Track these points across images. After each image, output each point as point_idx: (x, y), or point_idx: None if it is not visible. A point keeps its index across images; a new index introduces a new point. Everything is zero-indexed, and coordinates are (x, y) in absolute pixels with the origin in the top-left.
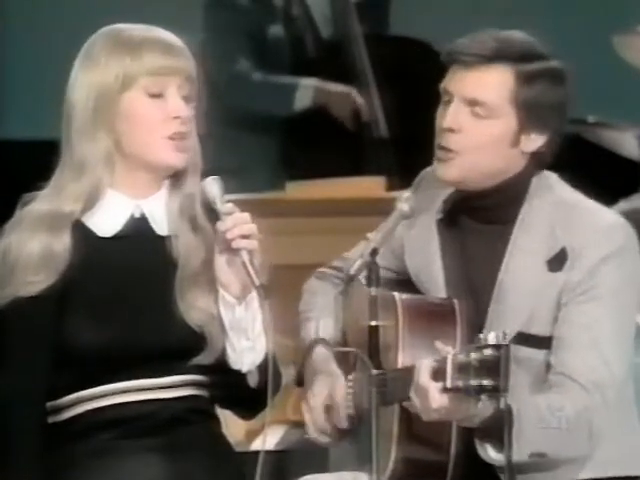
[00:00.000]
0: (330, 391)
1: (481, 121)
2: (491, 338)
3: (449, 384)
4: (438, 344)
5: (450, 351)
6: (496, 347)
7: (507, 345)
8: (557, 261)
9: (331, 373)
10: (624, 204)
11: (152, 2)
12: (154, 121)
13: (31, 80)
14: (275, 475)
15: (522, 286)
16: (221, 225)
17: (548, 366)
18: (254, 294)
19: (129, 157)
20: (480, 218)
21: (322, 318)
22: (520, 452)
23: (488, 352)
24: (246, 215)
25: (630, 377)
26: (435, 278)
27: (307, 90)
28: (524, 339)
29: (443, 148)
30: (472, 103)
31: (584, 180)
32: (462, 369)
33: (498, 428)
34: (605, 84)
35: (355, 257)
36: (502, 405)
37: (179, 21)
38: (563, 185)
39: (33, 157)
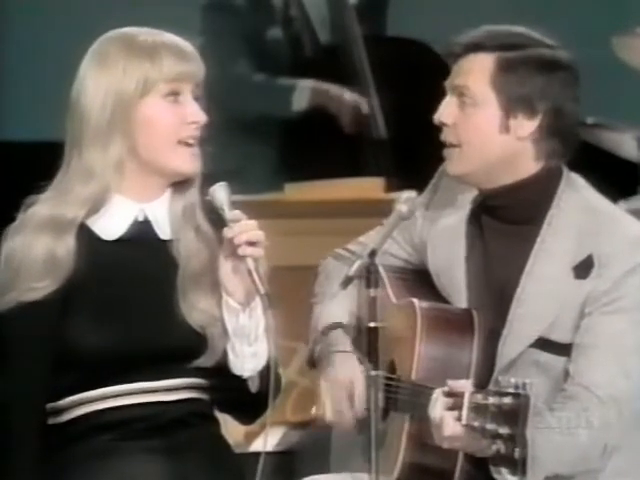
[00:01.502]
0: (352, 378)
1: (469, 109)
2: (511, 385)
3: (464, 421)
4: (451, 382)
5: (467, 387)
6: (516, 396)
7: (527, 395)
8: (583, 268)
9: (352, 361)
10: (624, 205)
11: (151, 4)
12: (171, 125)
13: (31, 82)
14: (275, 476)
15: (546, 290)
16: (228, 232)
17: (567, 373)
18: (258, 301)
19: (143, 162)
20: (502, 218)
21: (339, 302)
22: (535, 476)
23: (507, 400)
24: (253, 222)
25: None
26: (457, 281)
27: (304, 91)
28: (544, 344)
29: (446, 144)
30: (459, 91)
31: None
32: (479, 410)
33: (512, 454)
34: (605, 85)
35: (356, 257)
36: (517, 455)
37: (177, 23)
38: (591, 190)
39: (33, 159)
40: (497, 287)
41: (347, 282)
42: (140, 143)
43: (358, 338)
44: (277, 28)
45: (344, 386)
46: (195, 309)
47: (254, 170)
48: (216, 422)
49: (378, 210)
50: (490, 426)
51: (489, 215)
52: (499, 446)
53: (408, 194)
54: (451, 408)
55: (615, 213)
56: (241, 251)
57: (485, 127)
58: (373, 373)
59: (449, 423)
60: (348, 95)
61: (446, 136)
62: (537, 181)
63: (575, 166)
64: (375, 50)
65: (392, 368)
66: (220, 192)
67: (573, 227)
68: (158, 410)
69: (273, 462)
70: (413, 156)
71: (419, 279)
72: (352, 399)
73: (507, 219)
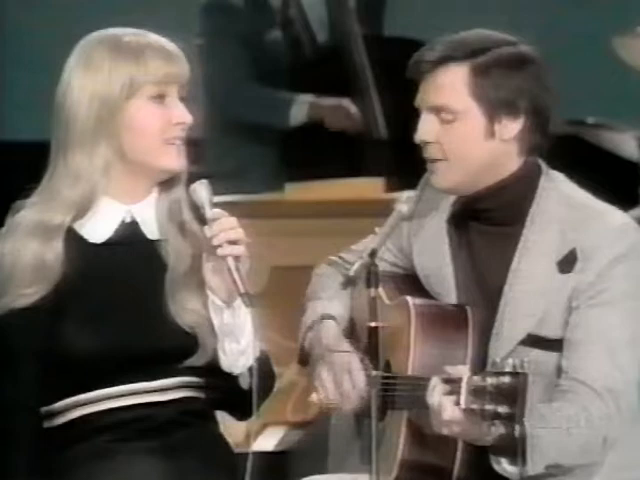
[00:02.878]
0: (349, 359)
1: (451, 125)
2: (509, 365)
3: (463, 405)
4: (449, 368)
5: (464, 372)
6: (514, 375)
7: (525, 373)
8: (567, 262)
9: (345, 344)
10: (636, 212)
11: (149, 7)
12: (157, 127)
13: (32, 82)
14: (274, 476)
15: (533, 287)
16: (207, 231)
17: (559, 369)
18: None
19: (130, 163)
20: (486, 220)
21: (332, 299)
22: (535, 466)
23: (505, 379)
24: (233, 220)
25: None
26: (446, 281)
27: (302, 106)
28: (534, 341)
29: (429, 160)
30: (437, 110)
31: (584, 181)
32: (477, 392)
33: (512, 444)
34: (605, 85)
35: (355, 258)
36: (517, 433)
37: (176, 26)
38: (571, 185)
39: (33, 159)
40: (485, 287)
41: (348, 282)
42: (126, 145)
43: (351, 338)
44: (276, 29)
45: (343, 366)
46: (184, 309)
47: (254, 170)
48: (214, 420)
49: (378, 210)
50: (489, 407)
51: (473, 218)
52: (498, 428)
53: (408, 194)
54: (449, 394)
55: (597, 206)
56: (221, 251)
57: (470, 137)
58: (373, 373)
59: (447, 408)
60: (346, 107)
61: (430, 153)
62: (518, 180)
63: (575, 166)
64: (375, 50)
65: (387, 368)
66: (201, 190)
67: (555, 223)
68: (154, 411)
69: (273, 462)
70: (413, 156)
71: (409, 282)
72: (352, 377)
73: (491, 221)
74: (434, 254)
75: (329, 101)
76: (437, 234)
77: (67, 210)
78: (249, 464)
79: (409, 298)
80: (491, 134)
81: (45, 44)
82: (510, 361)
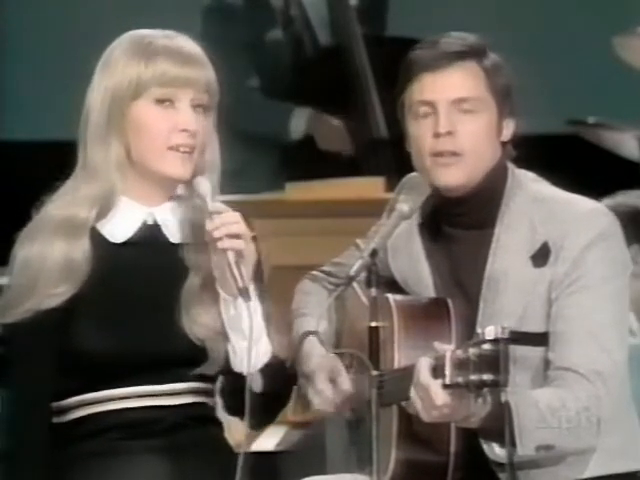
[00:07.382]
0: (332, 367)
1: (472, 116)
2: (489, 333)
3: (448, 380)
4: (437, 344)
5: (449, 349)
6: (495, 342)
7: (506, 339)
8: (541, 256)
9: (325, 354)
10: (608, 201)
11: (151, 9)
12: (161, 131)
13: (32, 81)
14: (275, 476)
15: (509, 285)
16: (209, 224)
17: (547, 363)
18: (254, 293)
19: (137, 165)
20: (460, 225)
21: (316, 315)
22: (525, 447)
23: (487, 347)
24: (235, 214)
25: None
26: (424, 280)
27: (301, 120)
28: (517, 337)
29: (443, 153)
30: (459, 102)
31: (584, 180)
32: (461, 365)
33: (500, 426)
34: (605, 85)
35: (348, 260)
36: (503, 399)
37: (178, 28)
38: (539, 181)
39: (33, 159)
40: (463, 289)
41: (349, 282)
42: (132, 145)
43: (338, 344)
44: (277, 28)
45: (326, 373)
46: (196, 324)
47: (255, 169)
48: (219, 425)
49: (378, 210)
50: (474, 377)
51: (447, 223)
52: (485, 399)
53: (406, 193)
54: (435, 369)
55: (564, 197)
56: (220, 244)
57: (486, 131)
58: (374, 373)
59: (437, 392)
60: (342, 127)
61: (443, 145)
62: (490, 184)
63: (575, 165)
64: (375, 50)
65: (375, 368)
66: (203, 184)
67: (525, 220)
68: (160, 414)
69: (273, 462)
70: None
71: (389, 287)
72: (335, 383)
73: (465, 225)
74: (408, 256)
75: (327, 118)
76: (409, 236)
77: (89, 206)
78: (239, 464)
79: (389, 295)
80: (499, 132)
81: (45, 44)
82: (491, 329)
